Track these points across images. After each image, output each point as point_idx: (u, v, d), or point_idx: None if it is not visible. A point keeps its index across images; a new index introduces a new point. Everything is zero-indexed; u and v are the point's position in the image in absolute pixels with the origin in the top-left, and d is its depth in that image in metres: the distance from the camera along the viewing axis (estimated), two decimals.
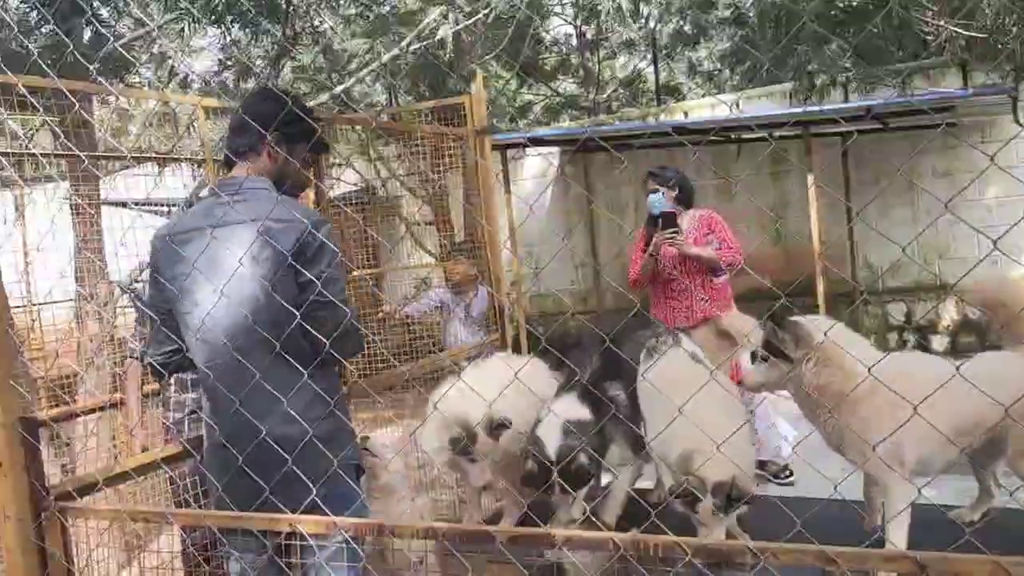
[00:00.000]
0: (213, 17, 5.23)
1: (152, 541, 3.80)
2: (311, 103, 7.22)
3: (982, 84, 8.58)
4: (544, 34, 14.95)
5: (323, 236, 2.33)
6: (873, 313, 10.01)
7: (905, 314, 9.89)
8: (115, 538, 3.76)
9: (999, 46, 6.72)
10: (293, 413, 2.27)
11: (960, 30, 7.23)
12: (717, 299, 4.94)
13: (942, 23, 7.39)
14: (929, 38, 9.19)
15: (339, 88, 6.12)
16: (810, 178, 7.88)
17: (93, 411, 4.04)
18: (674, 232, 4.65)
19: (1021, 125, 7.20)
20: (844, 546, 1.77)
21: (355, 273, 6.94)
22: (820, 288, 8.23)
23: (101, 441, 4.75)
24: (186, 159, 5.97)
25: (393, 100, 10.98)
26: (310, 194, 4.65)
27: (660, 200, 4.76)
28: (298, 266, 2.30)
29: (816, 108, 7.64)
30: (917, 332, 9.80)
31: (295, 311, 2.27)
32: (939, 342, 9.69)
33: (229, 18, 5.28)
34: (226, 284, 2.33)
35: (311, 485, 2.24)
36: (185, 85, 11.33)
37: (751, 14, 12.95)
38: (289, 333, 2.29)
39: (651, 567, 2.12)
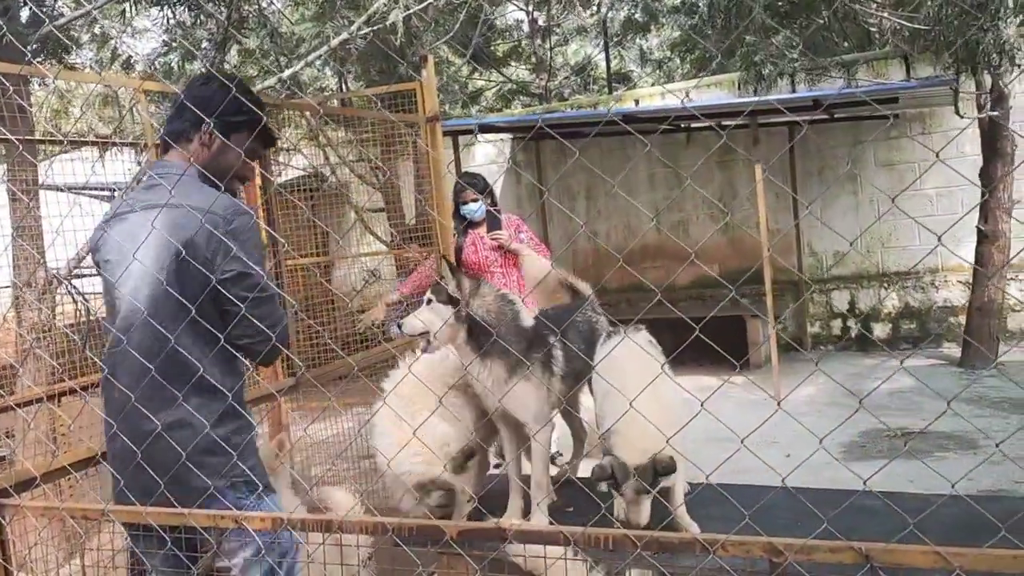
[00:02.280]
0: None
1: (96, 536, 3.72)
2: (258, 87, 7.08)
3: (925, 76, 8.77)
4: (496, 20, 14.88)
5: (239, 227, 2.22)
6: (818, 301, 10.19)
7: (849, 302, 10.09)
8: (56, 535, 3.67)
9: (941, 38, 6.86)
10: (188, 418, 2.19)
11: (903, 22, 7.36)
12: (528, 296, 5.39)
13: (886, 15, 7.52)
14: (873, 30, 9.35)
15: (287, 72, 6.02)
16: (758, 168, 7.97)
17: (31, 403, 3.93)
18: (496, 230, 5.30)
19: (962, 117, 7.37)
20: (791, 536, 1.80)
21: (304, 261, 6.84)
22: (767, 276, 8.35)
23: (41, 435, 4.62)
24: (127, 143, 5.81)
25: (343, 86, 10.84)
26: (256, 181, 4.58)
27: (480, 207, 5.36)
28: (194, 259, 2.19)
29: (764, 99, 7.72)
30: (860, 319, 10.02)
31: (190, 305, 2.16)
32: (881, 329, 9.92)
33: None
34: (124, 273, 2.26)
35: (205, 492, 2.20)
36: (128, 67, 11.04)
37: (701, 3, 13.06)
38: (189, 329, 2.20)
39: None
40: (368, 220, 10.77)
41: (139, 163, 6.08)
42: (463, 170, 10.58)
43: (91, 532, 3.46)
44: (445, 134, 9.87)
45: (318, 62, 9.05)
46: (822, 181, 9.93)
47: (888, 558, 1.71)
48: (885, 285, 9.83)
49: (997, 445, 2.15)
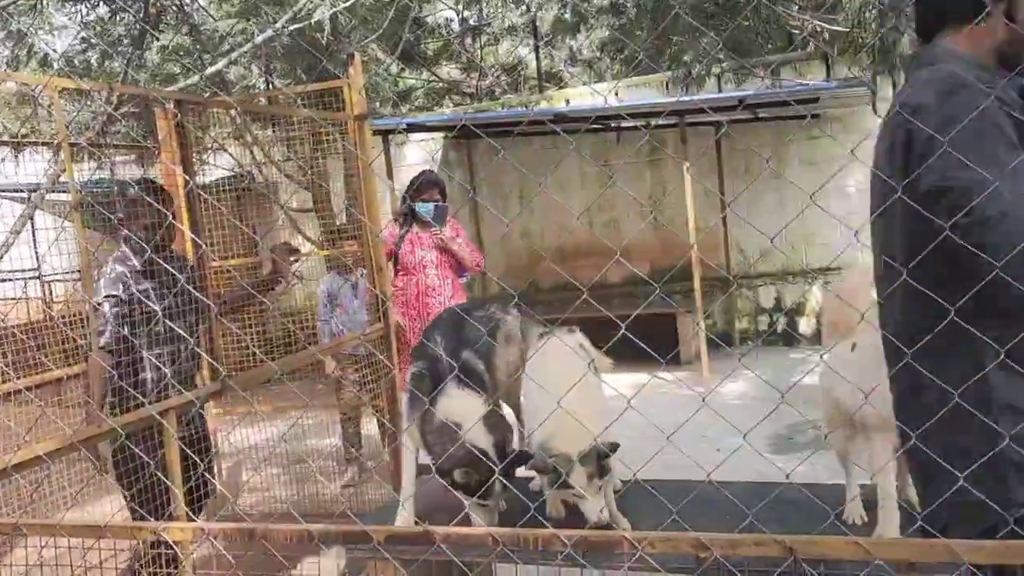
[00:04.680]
0: None
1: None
2: (180, 85, 6.90)
3: (844, 77, 9.02)
4: (426, 19, 14.81)
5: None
6: (746, 297, 10.40)
7: (775, 298, 10.32)
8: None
9: (859, 40, 7.07)
10: None
11: (824, 25, 7.56)
12: (460, 297, 5.48)
13: (807, 18, 7.71)
14: (796, 32, 9.59)
15: (210, 70, 5.85)
16: (685, 166, 8.09)
17: None
18: (441, 228, 5.31)
19: (879, 116, 7.59)
20: (717, 531, 1.82)
21: (232, 262, 6.69)
22: (696, 274, 8.49)
23: None
24: (43, 143, 5.61)
25: (270, 84, 10.64)
26: (178, 181, 4.46)
27: (432, 204, 5.37)
28: None
29: (690, 98, 7.85)
30: (786, 316, 10.25)
31: None
32: (806, 324, 10.17)
33: None
34: None
35: None
36: (45, 64, 10.64)
37: (629, 4, 13.22)
38: None
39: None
40: (297, 220, 10.59)
41: (56, 163, 5.87)
42: (397, 170, 10.50)
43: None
44: (375, 133, 9.78)
45: (244, 60, 8.85)
46: (748, 179, 10.13)
47: (811, 550, 1.74)
48: (809, 280, 10.08)
49: (915, 435, 2.23)
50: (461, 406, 2.88)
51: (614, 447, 2.73)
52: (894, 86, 7.40)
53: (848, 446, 2.94)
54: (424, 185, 5.43)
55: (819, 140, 9.70)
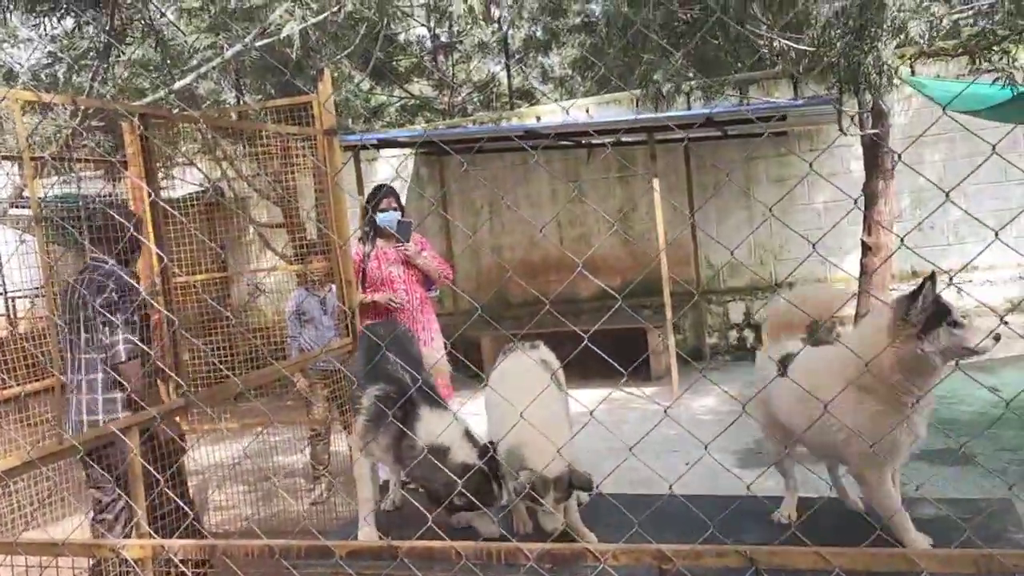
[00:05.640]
0: (28, 4, 4.83)
1: None
2: (148, 99, 6.85)
3: (810, 95, 9.15)
4: (398, 35, 14.83)
5: None
6: (715, 312, 10.47)
7: (744, 312, 10.41)
8: None
9: (825, 60, 7.17)
10: None
11: (792, 44, 7.66)
12: (428, 312, 5.45)
13: (774, 37, 7.82)
14: (764, 51, 9.72)
15: (178, 84, 5.81)
16: (655, 182, 8.15)
17: None
18: (405, 241, 5.24)
19: (845, 134, 7.70)
20: (680, 544, 1.82)
21: (199, 277, 6.63)
22: (666, 289, 8.54)
23: None
24: (5, 156, 5.53)
25: (240, 99, 10.59)
26: (143, 195, 4.42)
27: (394, 215, 5.32)
28: None
29: (659, 115, 7.92)
30: (754, 330, 10.33)
31: None
32: None
33: (45, 5, 4.89)
34: None
35: None
36: (10, 78, 10.53)
37: (600, 23, 13.33)
38: None
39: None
40: (267, 235, 10.54)
41: (19, 176, 5.79)
42: (367, 185, 10.47)
43: None
44: (345, 148, 9.76)
45: (213, 75, 8.81)
46: (717, 195, 10.23)
47: (772, 560, 1.75)
48: (779, 296, 10.17)
49: (871, 446, 2.27)
50: (440, 427, 2.88)
51: (588, 483, 2.70)
52: (859, 104, 7.51)
53: (782, 453, 2.98)
54: (381, 196, 5.43)
55: (786, 158, 9.83)
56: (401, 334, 3.33)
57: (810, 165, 1.92)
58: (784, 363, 2.77)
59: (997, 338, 2.34)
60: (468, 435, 2.87)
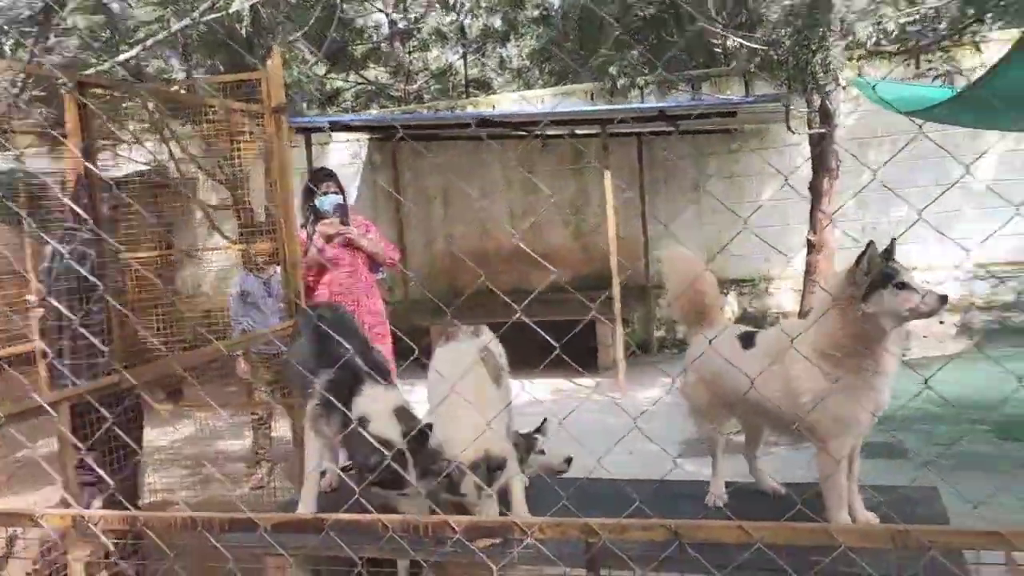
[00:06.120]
0: None
1: None
2: (92, 71, 6.67)
3: (761, 93, 9.27)
4: (355, 20, 14.68)
5: None
6: (665, 306, 10.56)
7: None
8: None
9: (775, 58, 7.27)
10: None
11: (743, 42, 7.75)
12: (375, 297, 5.41)
13: (727, 35, 7.91)
14: (717, 49, 9.83)
15: (123, 56, 5.66)
16: (607, 175, 8.18)
17: None
18: (346, 223, 5.21)
19: (793, 132, 7.83)
20: (606, 519, 1.83)
21: (142, 255, 6.50)
22: (615, 282, 8.58)
23: None
24: None
25: (189, 76, 10.38)
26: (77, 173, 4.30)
27: (334, 197, 5.25)
28: None
29: (612, 107, 7.97)
30: None
31: None
32: None
33: None
34: None
35: None
36: None
37: (557, 16, 13.37)
38: None
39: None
40: (214, 216, 10.35)
41: None
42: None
43: None
44: (298, 131, 9.63)
45: (162, 51, 8.61)
46: (668, 190, 10.32)
47: (696, 534, 1.77)
48: (725, 291, 10.30)
49: (793, 425, 2.37)
50: (371, 400, 2.88)
51: (501, 463, 2.73)
52: (808, 104, 7.63)
53: (715, 434, 3.04)
54: (320, 179, 5.36)
55: (736, 154, 9.95)
56: (345, 316, 3.31)
57: (772, 164, 1.95)
58: (745, 340, 2.88)
59: (943, 299, 2.41)
60: (399, 413, 2.86)
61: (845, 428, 2.56)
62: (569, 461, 3.69)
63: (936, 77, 6.52)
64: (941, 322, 7.98)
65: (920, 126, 2.08)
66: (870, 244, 2.50)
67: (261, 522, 1.89)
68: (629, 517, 1.83)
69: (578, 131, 9.87)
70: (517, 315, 2.12)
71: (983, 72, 5.07)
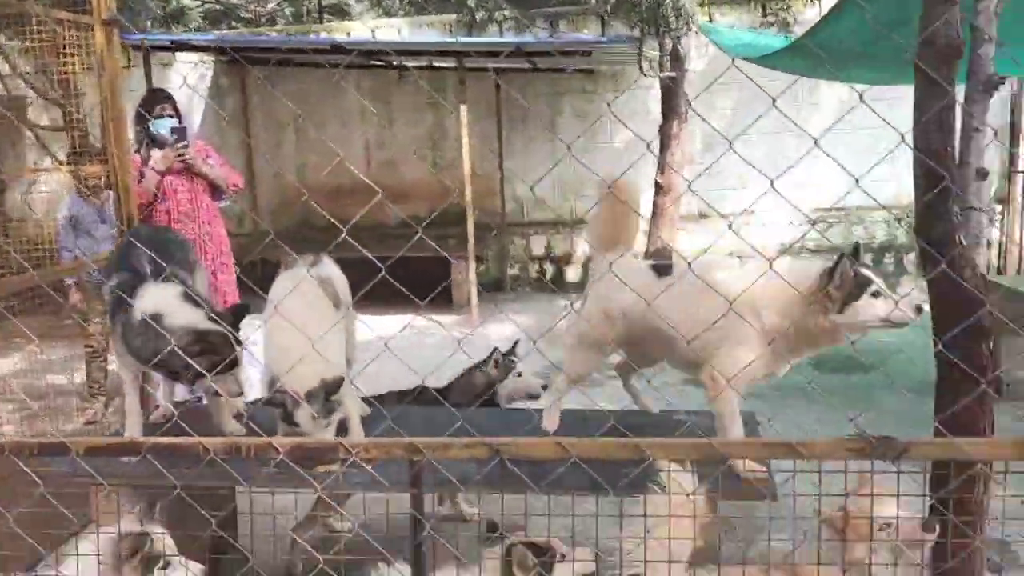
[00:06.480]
0: None
1: None
2: None
3: (616, 34, 9.39)
4: None
5: None
6: (518, 244, 10.71)
7: (546, 246, 10.71)
8: None
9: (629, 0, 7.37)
10: None
11: None
12: (218, 225, 5.22)
13: None
14: None
15: None
16: (463, 109, 8.13)
17: None
18: (184, 148, 4.92)
19: (645, 75, 7.99)
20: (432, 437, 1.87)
21: None
22: (470, 219, 8.60)
23: None
24: None
25: None
26: None
27: (170, 121, 4.98)
28: None
29: (469, 40, 7.89)
30: (554, 263, 10.67)
31: None
32: (574, 272, 10.64)
33: None
34: None
35: None
36: None
37: None
38: None
39: None
40: (44, 137, 9.64)
41: None
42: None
43: None
44: (136, 49, 9.04)
45: None
46: (525, 128, 10.37)
47: (516, 451, 1.83)
48: (577, 232, 10.53)
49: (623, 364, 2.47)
50: (158, 296, 2.77)
51: (338, 382, 2.71)
52: (660, 47, 7.80)
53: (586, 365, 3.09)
54: (155, 101, 5.07)
55: (591, 95, 10.08)
56: (169, 235, 3.17)
57: (608, 105, 1.99)
58: (659, 270, 2.91)
59: (919, 309, 2.46)
60: (187, 299, 2.76)
61: (745, 377, 2.60)
62: (545, 387, 3.77)
63: (775, 25, 6.80)
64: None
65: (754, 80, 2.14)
66: (841, 257, 2.52)
67: (73, 446, 1.81)
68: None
69: (436, 64, 9.73)
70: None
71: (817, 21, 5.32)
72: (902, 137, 2.00)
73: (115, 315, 2.78)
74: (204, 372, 2.54)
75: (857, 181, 2.00)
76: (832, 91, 9.32)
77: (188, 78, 10.34)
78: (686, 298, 2.65)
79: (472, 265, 8.82)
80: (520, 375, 4.00)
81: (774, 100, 1.86)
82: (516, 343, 4.16)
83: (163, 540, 2.15)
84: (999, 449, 1.74)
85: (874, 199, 6.91)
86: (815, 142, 1.85)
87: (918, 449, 1.72)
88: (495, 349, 4.13)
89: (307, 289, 2.95)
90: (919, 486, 2.06)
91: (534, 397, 3.92)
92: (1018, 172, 8.66)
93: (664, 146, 8.58)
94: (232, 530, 3.06)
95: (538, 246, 10.72)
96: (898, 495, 1.91)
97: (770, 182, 1.94)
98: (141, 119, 5.06)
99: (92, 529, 2.35)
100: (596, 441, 1.79)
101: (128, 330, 2.70)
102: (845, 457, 1.76)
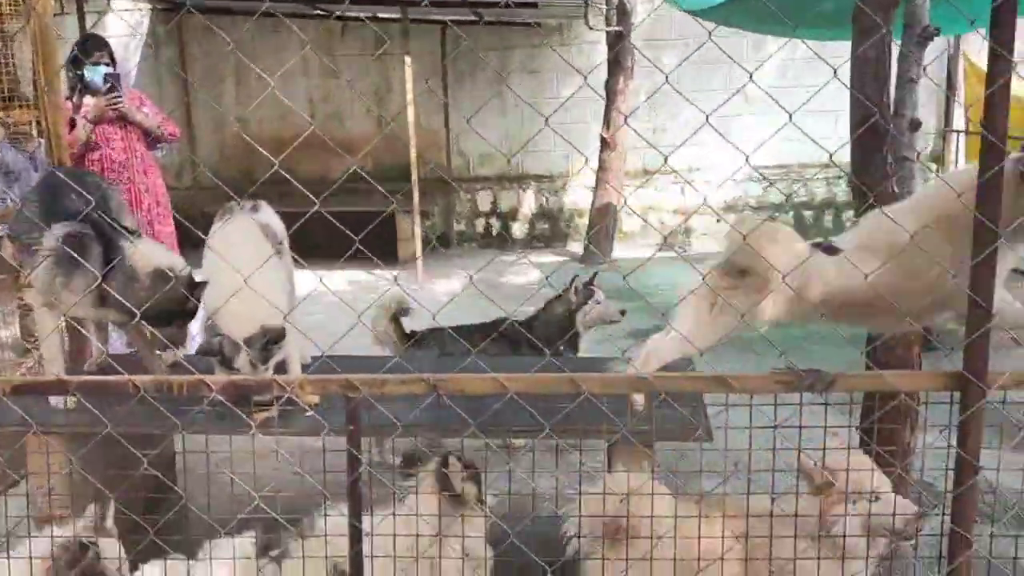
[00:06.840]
0: None
1: None
2: None
3: None
4: None
5: None
6: (465, 199, 10.65)
7: (492, 202, 10.67)
8: None
9: None
10: None
11: None
12: (153, 174, 5.10)
13: None
14: None
15: None
16: (407, 61, 8.00)
17: None
18: (118, 96, 4.78)
19: (591, 28, 7.96)
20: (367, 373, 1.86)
21: None
22: (415, 174, 8.52)
23: None
24: None
25: None
26: None
27: (104, 68, 4.82)
28: None
29: None
30: (500, 219, 10.65)
31: None
32: (520, 228, 10.64)
33: None
34: None
35: None
36: None
37: None
38: None
39: None
40: None
41: None
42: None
43: None
44: None
45: None
46: (472, 82, 10.26)
47: (453, 386, 1.84)
48: (524, 187, 10.52)
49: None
50: (157, 251, 2.89)
51: (279, 335, 2.69)
52: (606, 1, 7.77)
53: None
54: (89, 47, 4.90)
55: (539, 49, 10.00)
56: (92, 178, 3.08)
57: (561, 57, 1.93)
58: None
59: None
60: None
61: None
62: (623, 312, 4.23)
63: None
64: (719, 220, 8.56)
65: (710, 34, 2.10)
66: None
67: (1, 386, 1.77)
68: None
69: (380, 15, 9.54)
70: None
71: None
72: (835, 72, 2.02)
73: (70, 262, 2.68)
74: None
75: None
76: (778, 48, 9.39)
77: (123, 26, 10.00)
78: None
79: (418, 220, 8.75)
80: (600, 303, 4.29)
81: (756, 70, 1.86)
82: (595, 274, 4.46)
83: (116, 547, 2.09)
84: (920, 380, 1.80)
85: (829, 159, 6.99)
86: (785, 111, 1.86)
87: (845, 381, 1.77)
88: (575, 276, 4.46)
89: (247, 233, 2.90)
90: (847, 419, 2.12)
91: (613, 322, 4.33)
92: (952, 131, 8.85)
93: (610, 101, 8.59)
94: (170, 472, 3.04)
95: (484, 202, 10.69)
96: (825, 426, 1.96)
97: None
98: (76, 63, 4.89)
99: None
100: (531, 376, 1.81)
101: (129, 284, 2.67)
102: (775, 390, 1.81)
